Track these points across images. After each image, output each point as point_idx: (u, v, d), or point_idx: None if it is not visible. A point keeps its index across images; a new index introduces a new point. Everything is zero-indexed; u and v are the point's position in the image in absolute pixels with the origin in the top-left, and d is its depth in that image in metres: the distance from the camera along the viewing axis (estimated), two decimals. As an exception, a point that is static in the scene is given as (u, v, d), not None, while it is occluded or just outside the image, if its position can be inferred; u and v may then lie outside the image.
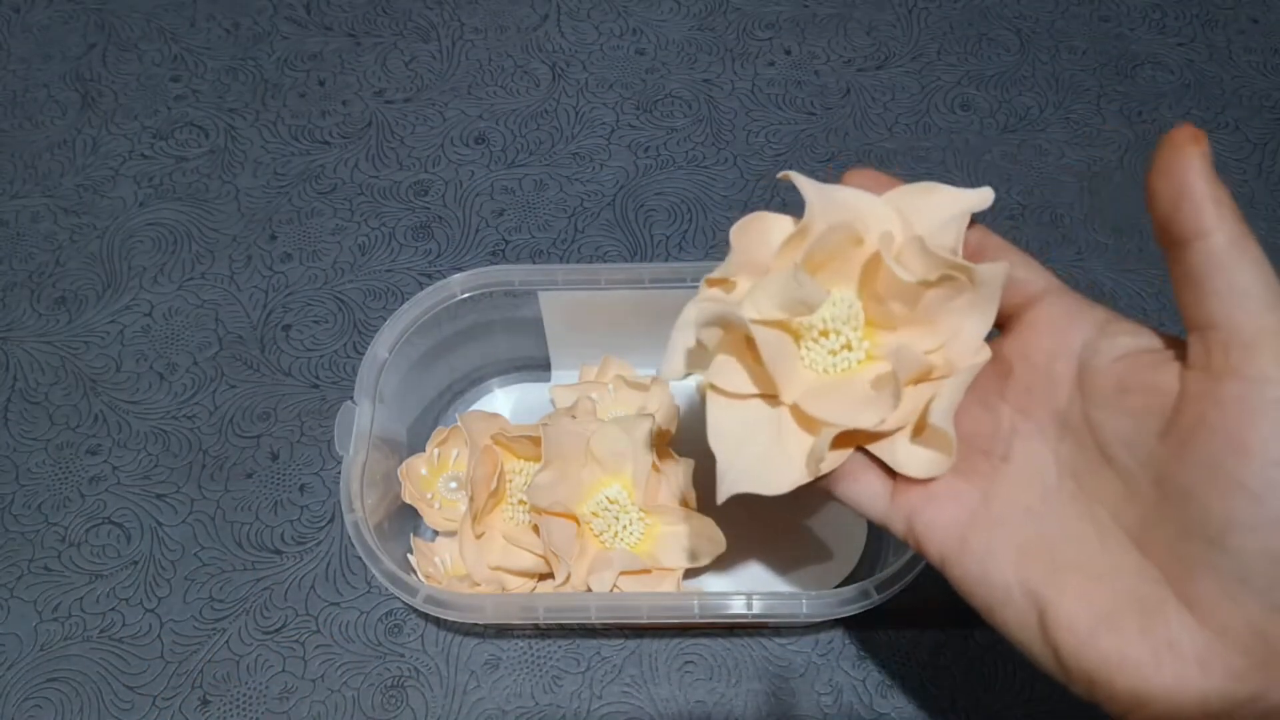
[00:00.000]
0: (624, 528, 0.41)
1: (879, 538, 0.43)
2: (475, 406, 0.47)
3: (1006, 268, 0.26)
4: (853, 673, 0.41)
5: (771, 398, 0.28)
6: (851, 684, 0.41)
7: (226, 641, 0.42)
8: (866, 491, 0.27)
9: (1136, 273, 0.50)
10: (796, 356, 0.28)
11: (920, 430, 0.27)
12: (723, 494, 0.27)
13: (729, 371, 0.28)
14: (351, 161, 0.54)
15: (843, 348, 0.28)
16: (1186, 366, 0.22)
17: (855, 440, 0.28)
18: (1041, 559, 0.24)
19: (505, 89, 0.57)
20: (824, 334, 0.28)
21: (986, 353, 0.27)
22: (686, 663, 0.41)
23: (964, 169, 0.53)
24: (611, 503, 0.41)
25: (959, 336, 0.27)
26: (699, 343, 0.28)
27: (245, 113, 0.56)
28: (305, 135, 0.55)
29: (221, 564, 0.44)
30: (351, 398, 0.40)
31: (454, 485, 0.43)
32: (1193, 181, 0.22)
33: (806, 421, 0.28)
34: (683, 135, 0.55)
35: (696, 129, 0.55)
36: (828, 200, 0.27)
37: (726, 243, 0.28)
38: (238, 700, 0.41)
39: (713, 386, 0.28)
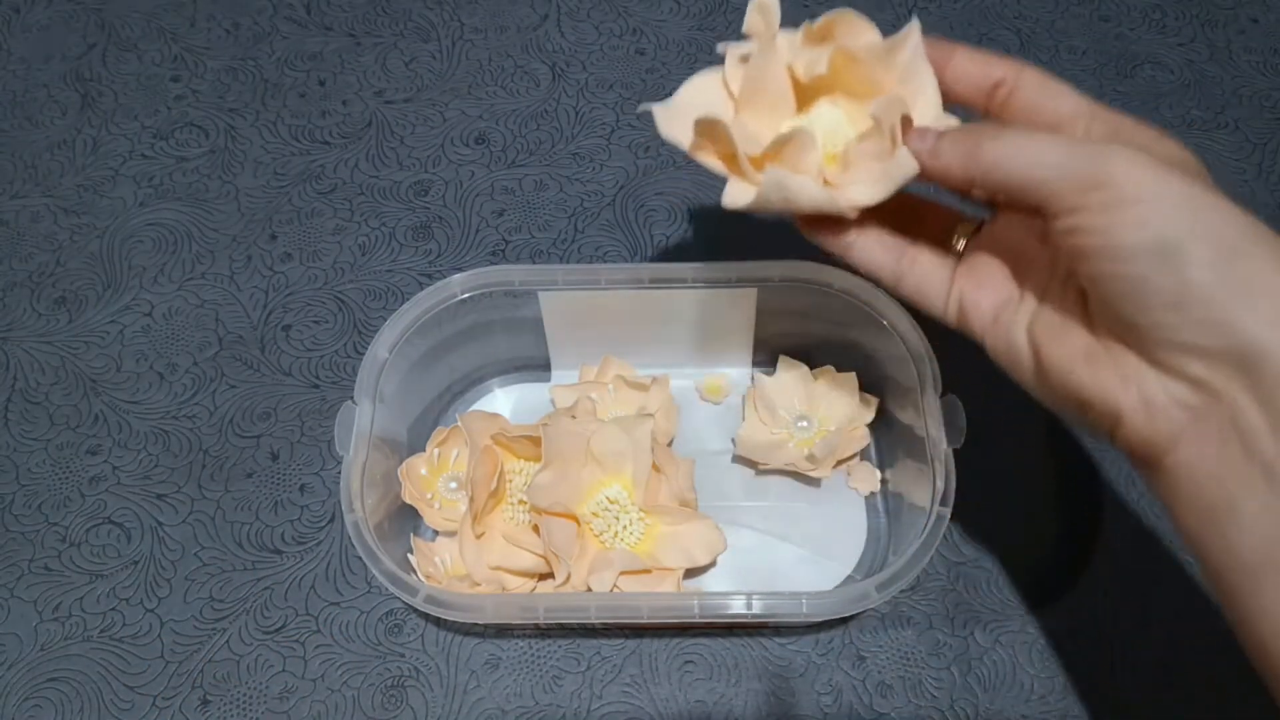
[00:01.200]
0: (624, 528, 0.41)
1: (879, 538, 0.43)
2: (475, 406, 0.47)
3: (915, 169, 0.31)
4: (853, 673, 0.41)
5: (737, 107, 0.34)
6: (851, 684, 0.41)
7: (227, 641, 0.42)
8: (932, 281, 0.33)
9: (1136, 273, 0.50)
10: (779, 110, 0.34)
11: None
12: (648, 105, 0.34)
13: (736, 74, 0.34)
14: (351, 161, 0.54)
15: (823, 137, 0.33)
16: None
17: (735, 167, 0.33)
18: (1046, 325, 0.30)
19: (505, 89, 0.57)
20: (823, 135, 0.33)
21: (852, 214, 0.33)
22: (686, 663, 0.41)
23: (964, 169, 0.53)
24: (611, 503, 0.41)
25: (851, 185, 0.32)
26: (750, 20, 0.33)
27: (245, 113, 0.56)
28: (305, 135, 0.55)
29: (222, 564, 0.44)
30: (352, 398, 0.40)
31: (454, 485, 0.43)
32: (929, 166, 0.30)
33: (738, 138, 0.32)
34: (683, 135, 0.55)
35: (696, 129, 0.55)
36: (916, 59, 0.34)
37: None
38: (238, 700, 0.41)
39: (727, 68, 0.34)
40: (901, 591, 0.36)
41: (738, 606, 0.36)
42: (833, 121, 0.34)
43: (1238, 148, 0.54)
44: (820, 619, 0.37)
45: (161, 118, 0.56)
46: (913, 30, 0.33)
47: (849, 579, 0.43)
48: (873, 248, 0.34)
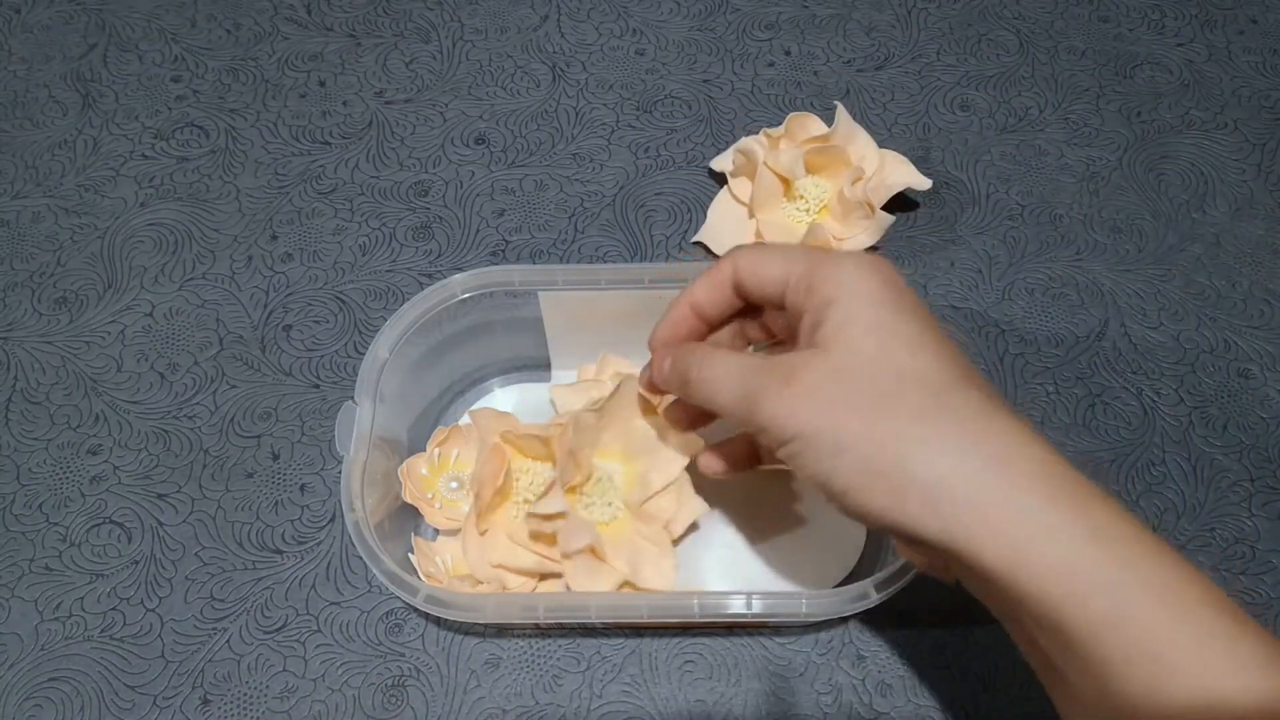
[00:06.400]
0: (605, 505, 0.41)
1: (879, 538, 0.43)
2: (475, 406, 0.47)
3: (893, 219, 0.49)
4: (853, 673, 0.41)
5: (748, 210, 0.51)
6: (851, 684, 0.41)
7: (227, 641, 0.42)
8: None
9: (1135, 272, 0.50)
10: (779, 197, 0.50)
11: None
12: (696, 239, 0.51)
13: (741, 185, 0.51)
14: (352, 162, 0.55)
15: (804, 210, 0.50)
16: None
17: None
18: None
19: (505, 89, 0.57)
20: (801, 198, 0.50)
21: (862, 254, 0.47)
22: (686, 662, 0.41)
23: (963, 169, 0.53)
24: (611, 480, 0.41)
25: (849, 240, 0.50)
26: (735, 157, 0.51)
27: (246, 113, 0.56)
28: (306, 135, 0.56)
29: (222, 563, 0.44)
30: (352, 398, 0.40)
31: (455, 485, 0.44)
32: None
33: (757, 232, 0.50)
34: (683, 135, 0.55)
35: (696, 129, 0.55)
36: (850, 128, 0.50)
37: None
38: (238, 699, 0.41)
39: (730, 185, 0.51)
40: (901, 591, 0.36)
41: (738, 606, 0.36)
42: (815, 188, 0.50)
43: (1237, 148, 0.54)
44: (820, 619, 0.37)
45: (162, 118, 0.56)
46: (840, 110, 0.49)
47: (849, 579, 0.43)
48: None
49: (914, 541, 0.28)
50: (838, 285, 0.30)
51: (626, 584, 0.40)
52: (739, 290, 0.34)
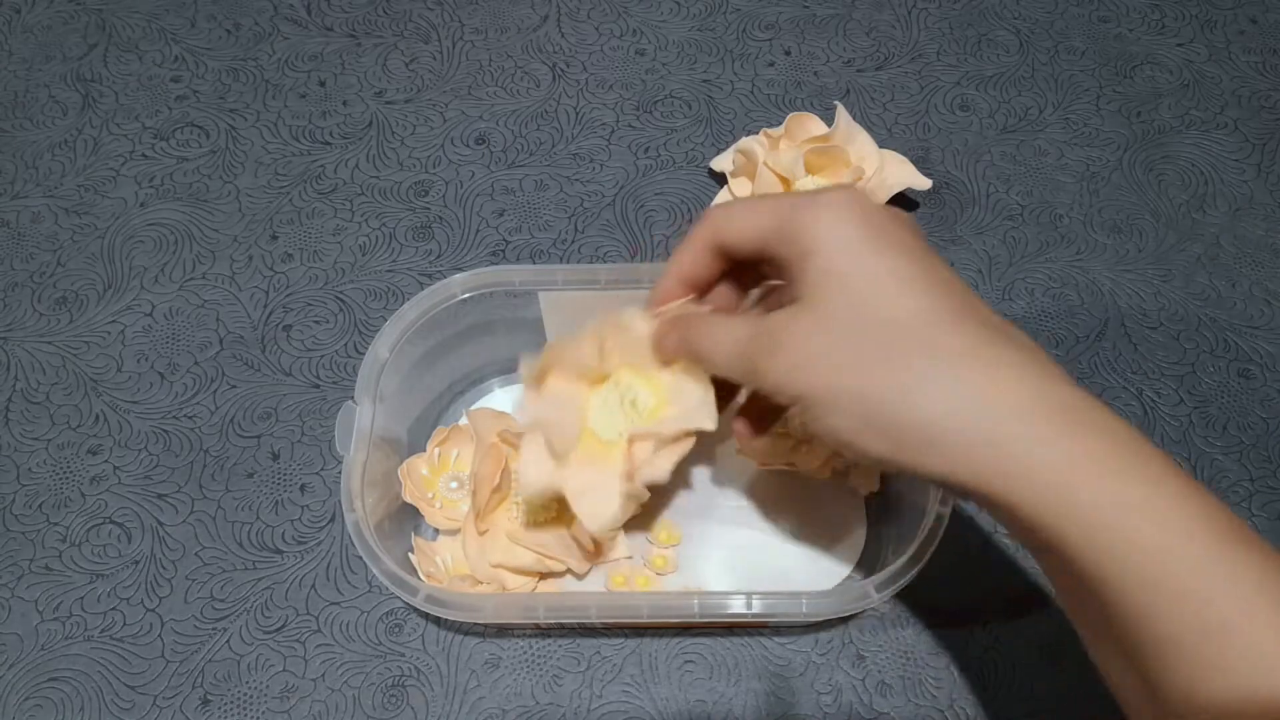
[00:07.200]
0: (612, 428, 0.36)
1: (879, 537, 0.44)
2: (476, 407, 0.47)
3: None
4: (853, 673, 0.41)
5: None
6: (851, 684, 0.41)
7: (227, 641, 0.42)
8: None
9: (1135, 272, 0.50)
10: (776, 190, 0.49)
11: None
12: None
13: (741, 185, 0.52)
14: (352, 162, 0.55)
15: None
16: None
17: None
18: None
19: (505, 89, 0.57)
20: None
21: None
22: (686, 662, 0.41)
23: (963, 169, 0.53)
24: (634, 406, 0.36)
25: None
26: (735, 157, 0.51)
27: (246, 113, 0.56)
28: (306, 136, 0.56)
29: (222, 563, 0.44)
30: (352, 398, 0.40)
31: (454, 485, 0.44)
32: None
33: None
34: (683, 135, 0.55)
35: (696, 129, 0.55)
36: (849, 127, 0.50)
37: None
38: (238, 699, 0.41)
39: (730, 185, 0.52)
40: (901, 591, 0.36)
41: (738, 606, 0.36)
42: (816, 187, 0.47)
43: (1237, 148, 0.54)
44: (820, 619, 0.37)
45: (162, 118, 0.56)
46: (840, 110, 0.50)
47: (849, 579, 0.43)
48: None
49: (926, 481, 0.30)
50: (814, 236, 0.29)
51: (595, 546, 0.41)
52: (722, 251, 0.33)
